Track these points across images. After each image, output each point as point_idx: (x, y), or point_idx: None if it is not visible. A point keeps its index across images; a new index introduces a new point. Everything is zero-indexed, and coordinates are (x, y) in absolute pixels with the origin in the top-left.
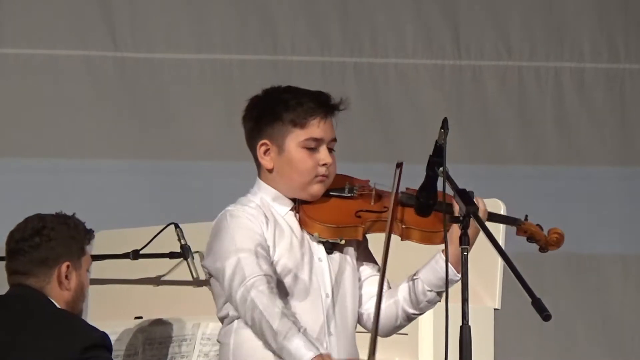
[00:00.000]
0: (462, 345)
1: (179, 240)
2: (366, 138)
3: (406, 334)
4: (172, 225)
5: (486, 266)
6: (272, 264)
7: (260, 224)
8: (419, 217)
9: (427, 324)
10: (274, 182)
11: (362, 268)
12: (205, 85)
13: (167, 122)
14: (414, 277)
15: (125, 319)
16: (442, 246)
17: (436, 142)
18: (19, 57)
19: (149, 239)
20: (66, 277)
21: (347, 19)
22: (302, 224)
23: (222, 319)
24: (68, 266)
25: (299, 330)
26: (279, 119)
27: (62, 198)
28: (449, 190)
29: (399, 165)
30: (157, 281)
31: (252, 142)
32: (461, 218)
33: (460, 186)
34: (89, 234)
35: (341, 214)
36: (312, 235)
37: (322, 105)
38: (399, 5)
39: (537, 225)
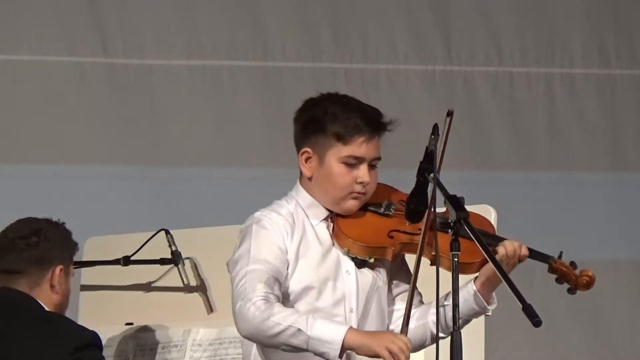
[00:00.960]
0: (452, 351)
1: (170, 246)
2: None
3: None
4: (163, 232)
5: None
6: (288, 277)
7: (283, 235)
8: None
9: None
10: (312, 190)
11: (395, 283)
12: (195, 91)
13: (157, 128)
14: (445, 304)
15: (116, 325)
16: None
17: (427, 148)
18: (8, 63)
19: (140, 245)
20: (58, 280)
21: (338, 25)
22: (335, 236)
23: None
24: (61, 269)
25: (314, 317)
26: (323, 130)
27: (52, 204)
28: (440, 196)
29: (450, 114)
30: (147, 287)
31: (297, 146)
32: (452, 224)
33: (451, 192)
34: (76, 245)
35: (373, 233)
36: (342, 250)
37: (369, 124)
38: (390, 11)
39: (571, 263)
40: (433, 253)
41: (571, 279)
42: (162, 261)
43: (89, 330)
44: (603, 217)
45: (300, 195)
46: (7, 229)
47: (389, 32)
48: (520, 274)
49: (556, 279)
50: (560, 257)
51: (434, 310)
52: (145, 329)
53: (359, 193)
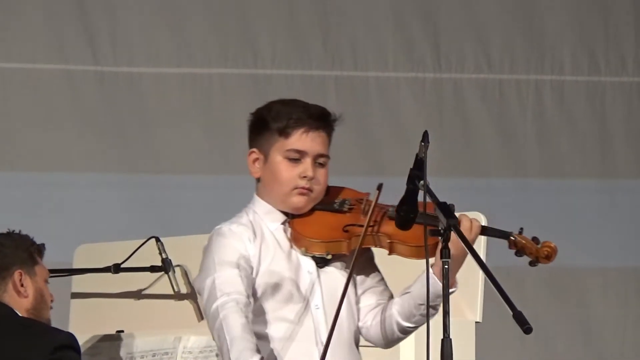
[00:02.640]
0: (443, 358)
1: (160, 253)
2: (347, 151)
3: None
4: (153, 239)
5: (467, 279)
6: (252, 282)
7: (245, 241)
8: (408, 231)
9: (409, 337)
10: (263, 194)
11: (361, 279)
12: (185, 98)
13: (147, 136)
14: (407, 291)
15: (107, 333)
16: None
17: (417, 155)
18: None
19: (130, 253)
20: (22, 284)
21: (328, 32)
22: (292, 239)
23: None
24: (21, 273)
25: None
26: (267, 127)
27: (42, 212)
28: (430, 203)
29: (379, 188)
30: (138, 295)
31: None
32: (442, 231)
33: (441, 199)
34: (37, 245)
35: (328, 229)
36: (300, 250)
37: (311, 117)
38: (380, 19)
39: (534, 238)
40: (389, 241)
41: (532, 251)
42: (153, 269)
43: (64, 331)
44: (593, 224)
45: (257, 204)
46: None
47: (378, 39)
48: (511, 282)
49: (515, 252)
50: (521, 232)
51: (397, 300)
52: (136, 337)
53: (304, 188)
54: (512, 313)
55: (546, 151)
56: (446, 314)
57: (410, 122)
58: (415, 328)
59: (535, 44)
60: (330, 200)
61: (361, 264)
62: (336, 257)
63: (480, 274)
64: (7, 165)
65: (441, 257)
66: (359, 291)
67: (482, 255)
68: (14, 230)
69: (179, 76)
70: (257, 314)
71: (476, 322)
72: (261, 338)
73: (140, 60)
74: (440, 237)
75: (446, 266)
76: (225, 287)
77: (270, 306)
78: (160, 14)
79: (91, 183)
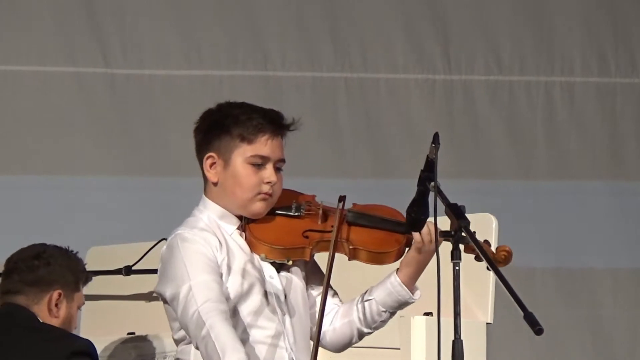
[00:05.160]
0: (454, 359)
1: None
2: (357, 153)
3: (398, 349)
4: (164, 241)
5: (478, 280)
6: (225, 288)
7: (212, 248)
8: (368, 237)
9: (419, 338)
10: (219, 198)
11: (311, 286)
12: (195, 101)
13: (158, 138)
14: (369, 298)
15: (118, 335)
16: (394, 266)
17: (427, 157)
18: (8, 74)
19: (141, 255)
20: (56, 305)
21: (338, 34)
22: (249, 244)
23: (178, 341)
24: (60, 294)
25: None
26: (227, 132)
27: (53, 215)
28: (440, 206)
29: (342, 199)
30: (149, 297)
31: (200, 154)
32: (453, 233)
33: (451, 201)
34: (86, 274)
35: (288, 235)
36: (260, 256)
37: (272, 122)
38: (390, 21)
39: (485, 241)
40: (351, 247)
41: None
42: None
43: (83, 338)
44: (603, 225)
45: (210, 208)
46: (13, 254)
47: (388, 41)
48: (522, 283)
49: (475, 257)
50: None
51: (359, 307)
52: (147, 339)
53: (266, 194)
54: (523, 314)
55: (556, 152)
56: (457, 315)
57: (420, 124)
58: (372, 333)
59: (545, 45)
60: (283, 203)
61: (309, 270)
62: (294, 264)
63: (491, 275)
64: (18, 168)
65: (452, 259)
66: (313, 296)
67: None
68: (72, 250)
69: (189, 78)
70: None
71: (487, 323)
72: None
73: (150, 62)
74: (451, 239)
75: (457, 267)
76: (205, 293)
77: (240, 312)
78: (170, 16)
79: (102, 185)
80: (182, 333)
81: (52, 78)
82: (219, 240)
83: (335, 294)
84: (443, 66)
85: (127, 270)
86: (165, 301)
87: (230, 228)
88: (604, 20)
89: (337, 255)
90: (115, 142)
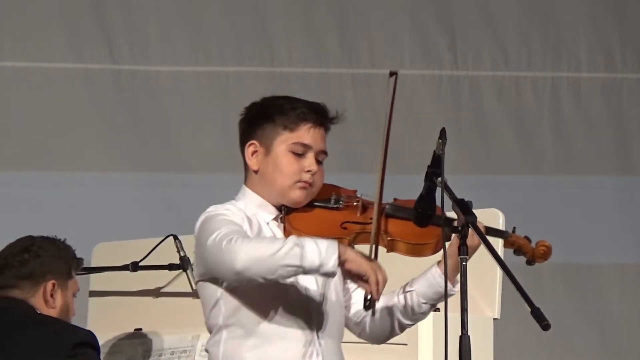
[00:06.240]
0: (461, 355)
1: (178, 251)
2: (364, 149)
3: (405, 344)
4: (171, 237)
5: (485, 276)
6: None
7: (239, 219)
8: (406, 228)
9: (427, 334)
10: (259, 187)
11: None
12: (202, 97)
13: (165, 134)
14: (409, 289)
15: (125, 331)
16: (433, 258)
17: (434, 152)
18: (16, 70)
19: (148, 251)
20: (51, 295)
21: (345, 30)
22: (287, 234)
23: (210, 328)
24: (54, 284)
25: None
26: (270, 120)
27: (60, 211)
28: (447, 201)
29: (393, 74)
30: (156, 293)
31: (243, 143)
32: (460, 228)
33: (458, 196)
34: (77, 260)
35: (326, 226)
36: None
37: (315, 112)
38: (396, 17)
39: (525, 237)
40: (389, 239)
41: (528, 250)
42: (171, 267)
43: (84, 329)
44: (610, 220)
45: (249, 196)
46: (4, 249)
47: (395, 37)
48: (529, 278)
49: (514, 252)
50: (514, 231)
51: (400, 297)
52: (154, 335)
53: (305, 182)
54: (530, 309)
55: (562, 148)
56: (464, 310)
57: (426, 119)
58: (413, 325)
59: (552, 40)
60: (322, 196)
61: None
62: None
63: (498, 270)
64: (25, 164)
65: (459, 254)
66: (349, 287)
67: (500, 252)
68: (59, 238)
69: (196, 74)
70: (249, 304)
71: (494, 319)
72: (253, 331)
73: (157, 58)
74: (458, 234)
75: (464, 263)
76: (234, 229)
77: (268, 294)
78: (177, 12)
79: (108, 181)
80: (213, 320)
81: (59, 74)
82: (252, 224)
83: None
84: (450, 62)
85: (134, 266)
86: (201, 279)
87: (268, 217)
88: (611, 16)
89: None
90: (122, 139)
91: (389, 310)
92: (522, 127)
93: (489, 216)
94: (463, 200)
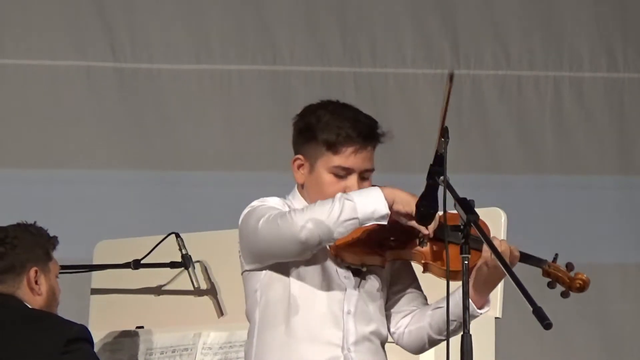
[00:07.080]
0: (463, 353)
1: (180, 249)
2: None
3: None
4: (173, 235)
5: None
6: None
7: (283, 207)
8: (441, 252)
9: None
10: (306, 196)
11: (395, 282)
12: (204, 95)
13: (166, 132)
14: (439, 306)
15: (127, 329)
16: None
17: (436, 151)
18: (19, 68)
19: (150, 249)
20: (36, 282)
21: (346, 29)
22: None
23: (248, 319)
24: (36, 271)
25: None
26: (315, 138)
27: (62, 208)
28: (450, 199)
29: (451, 76)
30: (158, 291)
31: (293, 151)
32: (461, 227)
33: (461, 195)
34: (52, 239)
35: (365, 242)
36: (336, 259)
37: (360, 135)
38: (398, 15)
39: (568, 264)
40: (423, 261)
41: (565, 282)
42: (173, 265)
43: (78, 324)
44: (611, 220)
45: (297, 200)
46: None
47: (397, 36)
48: (530, 277)
49: (548, 283)
50: (555, 260)
51: (431, 314)
52: (156, 333)
53: None
54: (531, 309)
55: (564, 147)
56: (466, 309)
57: (429, 118)
58: (444, 340)
59: (554, 40)
60: None
61: (397, 268)
62: (370, 269)
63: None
64: (27, 162)
65: (460, 253)
66: (393, 295)
67: None
68: (30, 223)
69: (198, 72)
70: (282, 300)
71: (496, 318)
72: (284, 328)
73: (159, 56)
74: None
75: (465, 262)
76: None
77: (300, 305)
78: (179, 10)
79: (110, 179)
80: (251, 311)
81: (61, 72)
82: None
83: (419, 295)
84: (451, 61)
85: (136, 264)
86: (247, 269)
87: None
88: (613, 15)
89: None
90: (124, 136)
91: (421, 325)
92: (524, 127)
93: (491, 215)
94: (465, 199)
